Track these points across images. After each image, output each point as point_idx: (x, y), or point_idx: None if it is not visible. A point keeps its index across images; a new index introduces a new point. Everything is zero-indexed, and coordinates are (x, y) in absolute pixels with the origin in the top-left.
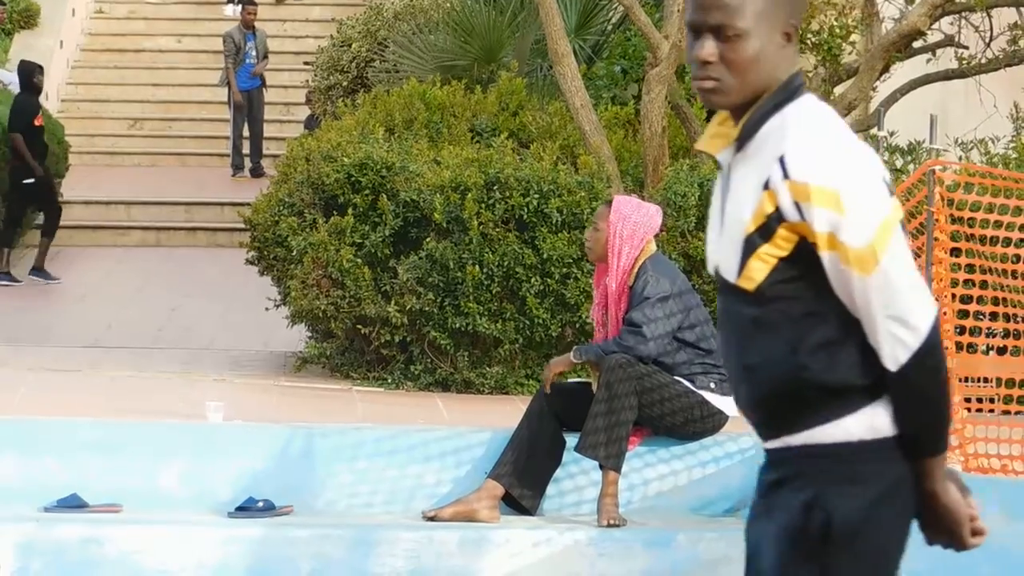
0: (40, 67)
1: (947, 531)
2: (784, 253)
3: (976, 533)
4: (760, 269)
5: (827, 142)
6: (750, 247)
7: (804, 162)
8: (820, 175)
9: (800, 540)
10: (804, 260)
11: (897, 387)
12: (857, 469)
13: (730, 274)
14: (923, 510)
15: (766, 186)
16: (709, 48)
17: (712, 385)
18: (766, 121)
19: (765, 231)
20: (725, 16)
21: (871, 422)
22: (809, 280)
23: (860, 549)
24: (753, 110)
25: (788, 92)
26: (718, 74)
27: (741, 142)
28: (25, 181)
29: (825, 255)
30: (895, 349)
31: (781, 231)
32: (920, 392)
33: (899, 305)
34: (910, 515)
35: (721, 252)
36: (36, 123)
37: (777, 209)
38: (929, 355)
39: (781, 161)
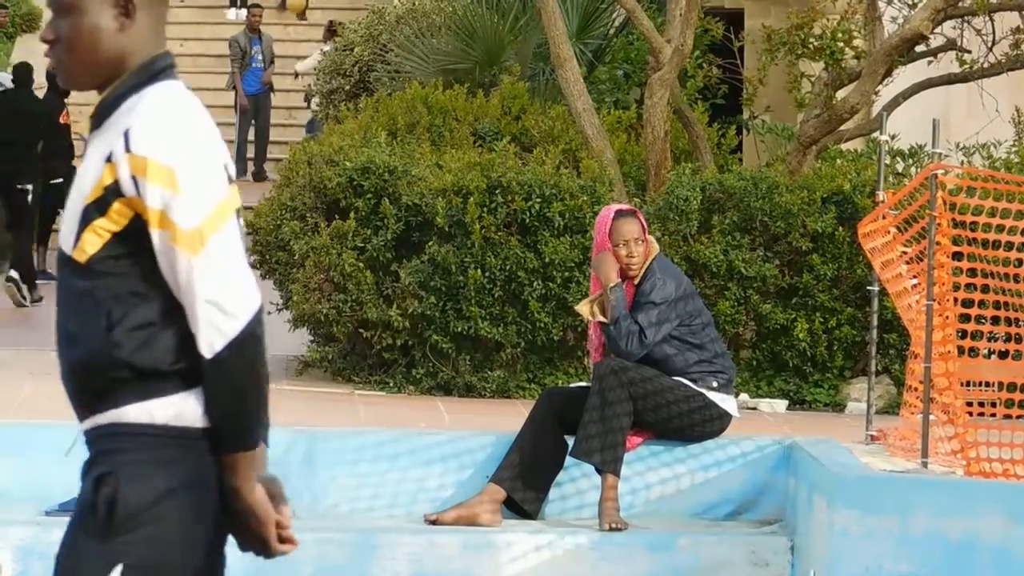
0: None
1: (254, 535)
2: (118, 228)
3: (285, 541)
4: (93, 242)
5: (173, 121)
6: (86, 219)
7: (146, 137)
8: (159, 151)
9: (88, 514)
10: (137, 237)
11: (209, 375)
12: (157, 453)
13: (67, 245)
14: (231, 511)
15: (109, 159)
16: (48, 28)
17: (715, 384)
18: (124, 101)
19: (102, 204)
20: None
21: (179, 409)
22: (139, 258)
23: (146, 534)
24: (110, 90)
25: (150, 74)
26: (58, 54)
27: (97, 120)
28: (52, 181)
29: (155, 233)
30: (211, 335)
31: (117, 205)
32: (231, 383)
33: (220, 292)
34: (213, 512)
35: (64, 224)
36: (61, 121)
37: (116, 182)
38: (245, 346)
39: (126, 134)
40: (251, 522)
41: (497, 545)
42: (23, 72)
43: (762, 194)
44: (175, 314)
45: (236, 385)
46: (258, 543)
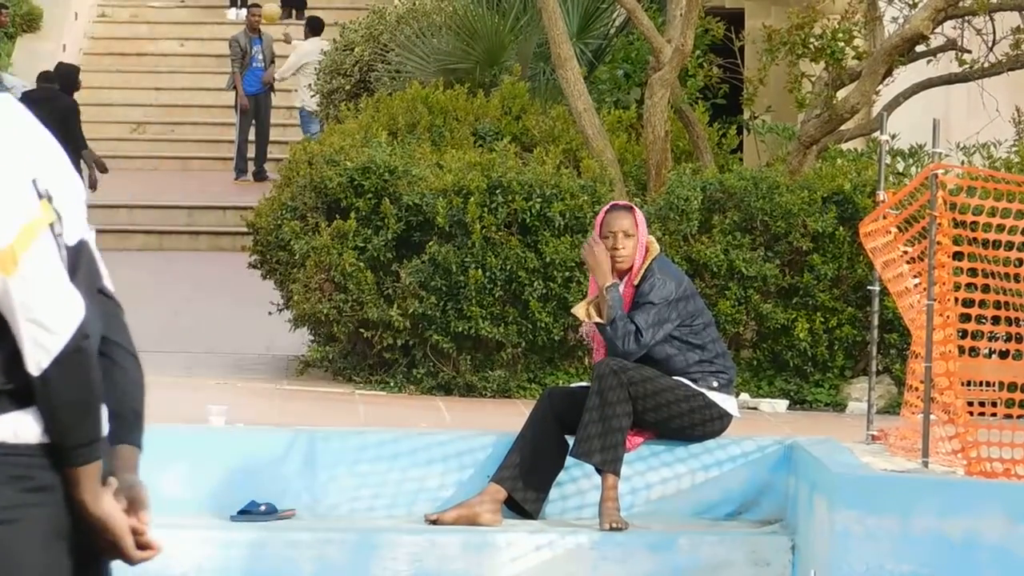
0: (76, 68)
1: (109, 544)
2: None
3: (143, 547)
4: None
5: None
6: None
7: None
8: None
9: None
10: None
11: (40, 393)
12: None
13: None
14: (85, 522)
15: None
16: None
17: (716, 384)
18: None
19: None
20: None
21: (16, 427)
22: None
23: None
24: None
25: None
26: None
27: None
28: None
29: None
30: (36, 353)
31: None
32: (61, 399)
33: (40, 309)
34: (64, 527)
35: None
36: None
37: None
38: (71, 361)
39: None
40: (104, 533)
41: (497, 545)
42: (72, 73)
43: (763, 194)
44: (5, 334)
45: (67, 401)
46: (116, 552)
